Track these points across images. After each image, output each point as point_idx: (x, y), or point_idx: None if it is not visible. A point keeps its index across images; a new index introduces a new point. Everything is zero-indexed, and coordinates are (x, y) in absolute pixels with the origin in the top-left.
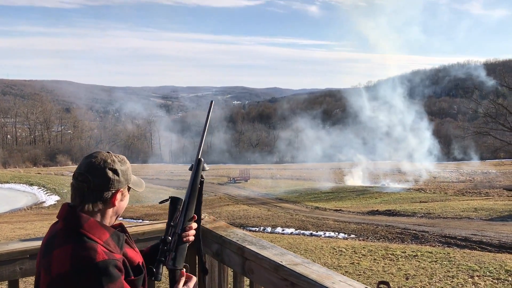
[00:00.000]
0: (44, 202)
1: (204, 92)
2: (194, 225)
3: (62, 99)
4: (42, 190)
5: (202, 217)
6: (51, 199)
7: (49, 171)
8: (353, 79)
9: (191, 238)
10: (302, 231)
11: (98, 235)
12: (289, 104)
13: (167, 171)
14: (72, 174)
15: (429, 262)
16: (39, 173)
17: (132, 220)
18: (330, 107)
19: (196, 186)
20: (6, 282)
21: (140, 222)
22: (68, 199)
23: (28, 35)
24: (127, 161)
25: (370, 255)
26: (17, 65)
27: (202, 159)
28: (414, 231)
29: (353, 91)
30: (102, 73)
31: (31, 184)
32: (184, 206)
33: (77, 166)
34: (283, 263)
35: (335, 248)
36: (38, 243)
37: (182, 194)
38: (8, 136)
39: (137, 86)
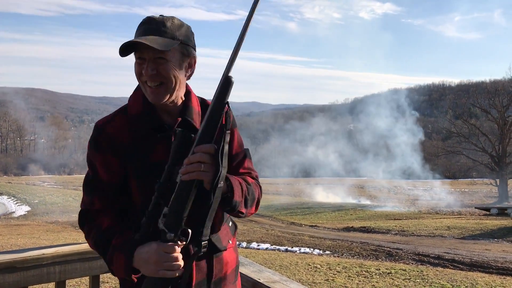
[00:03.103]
0: (13, 212)
1: None
2: (204, 148)
3: (37, 107)
4: (12, 200)
5: None
6: (21, 210)
7: (21, 180)
8: (330, 96)
9: (190, 175)
10: (277, 247)
11: (130, 103)
12: (267, 118)
13: None
14: (44, 183)
15: (403, 280)
16: (9, 183)
17: None
18: (309, 123)
19: (218, 112)
20: None
21: None
22: (39, 210)
23: (2, 42)
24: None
25: (345, 272)
26: None
27: (233, 80)
28: (388, 248)
29: (332, 107)
30: (78, 82)
31: (0, 194)
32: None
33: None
34: (261, 281)
35: (310, 264)
36: (11, 257)
37: None
38: None
39: (114, 96)
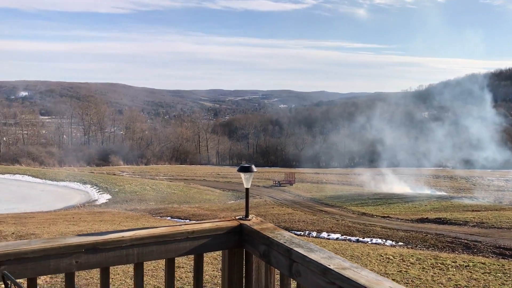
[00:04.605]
0: (96, 200)
1: (251, 95)
2: None
3: (115, 101)
4: (95, 188)
5: (249, 217)
6: (103, 198)
7: (102, 170)
8: (403, 83)
9: None
10: (348, 237)
11: None
12: (336, 108)
13: (214, 173)
14: (123, 173)
15: (482, 274)
16: (92, 172)
17: (180, 219)
18: (380, 112)
19: None
20: (63, 274)
21: (188, 222)
22: (119, 198)
23: (84, 40)
24: None
25: (419, 264)
26: (74, 69)
27: None
28: (465, 241)
29: (405, 95)
30: (153, 76)
31: (85, 183)
32: None
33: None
34: (331, 267)
35: (382, 255)
36: (93, 238)
37: (227, 196)
38: (64, 136)
39: (186, 90)
